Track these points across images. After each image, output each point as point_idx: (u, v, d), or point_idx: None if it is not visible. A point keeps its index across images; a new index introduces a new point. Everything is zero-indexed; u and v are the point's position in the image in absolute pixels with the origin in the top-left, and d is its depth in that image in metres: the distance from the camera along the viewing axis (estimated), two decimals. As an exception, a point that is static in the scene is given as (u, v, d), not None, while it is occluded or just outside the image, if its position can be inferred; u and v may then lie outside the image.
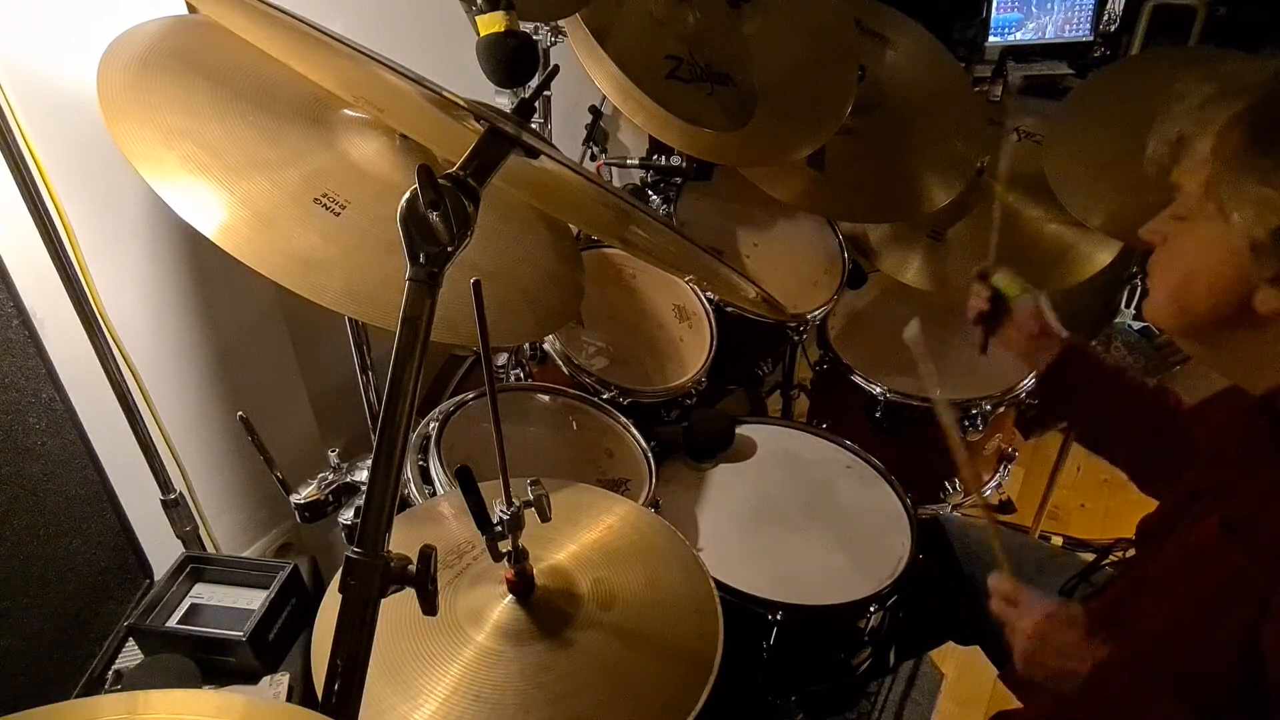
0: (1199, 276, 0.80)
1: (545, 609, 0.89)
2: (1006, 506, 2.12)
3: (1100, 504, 2.32)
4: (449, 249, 0.67)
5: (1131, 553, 1.06)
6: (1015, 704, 1.06)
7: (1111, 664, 0.85)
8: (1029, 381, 1.77)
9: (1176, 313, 0.84)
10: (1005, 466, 1.97)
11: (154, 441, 1.36)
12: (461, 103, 0.71)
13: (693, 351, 1.66)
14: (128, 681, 1.14)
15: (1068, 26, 2.81)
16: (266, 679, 1.17)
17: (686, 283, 1.74)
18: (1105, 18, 2.77)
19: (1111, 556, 1.19)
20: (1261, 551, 0.75)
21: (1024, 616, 0.93)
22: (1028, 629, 0.92)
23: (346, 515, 1.25)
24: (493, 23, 0.96)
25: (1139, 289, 2.18)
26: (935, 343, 1.90)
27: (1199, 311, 0.81)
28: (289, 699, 1.15)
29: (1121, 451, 1.18)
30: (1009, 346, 1.26)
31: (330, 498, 1.24)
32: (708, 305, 1.70)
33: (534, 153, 0.74)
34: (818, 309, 1.83)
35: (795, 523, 1.42)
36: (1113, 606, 0.94)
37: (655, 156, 1.84)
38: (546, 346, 1.52)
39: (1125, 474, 1.18)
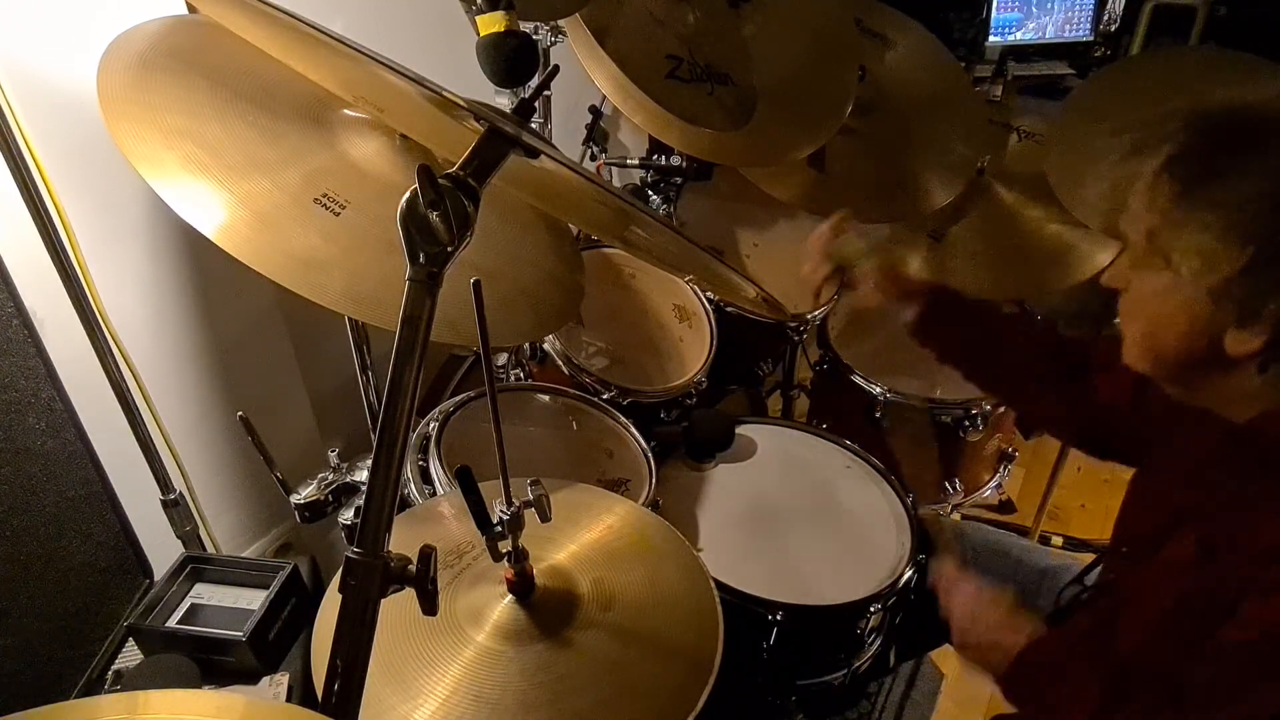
0: (1165, 323, 0.80)
1: (545, 609, 0.89)
2: (1007, 506, 2.12)
3: (1100, 504, 2.32)
4: (449, 249, 0.67)
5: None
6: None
7: (1089, 674, 0.85)
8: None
9: (1149, 358, 0.84)
10: (1005, 466, 1.97)
11: (154, 441, 1.36)
12: (461, 103, 0.71)
13: (693, 351, 1.66)
14: (128, 681, 1.14)
15: (1068, 26, 2.81)
16: (266, 679, 1.17)
17: (686, 283, 1.74)
18: (1105, 18, 2.77)
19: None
20: (1232, 570, 0.74)
21: (955, 595, 1.03)
22: (959, 608, 1.02)
23: (346, 515, 1.25)
24: (493, 22, 0.96)
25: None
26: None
27: (1170, 356, 0.81)
28: (289, 699, 1.15)
29: (1014, 390, 1.21)
30: (869, 304, 1.26)
31: (330, 498, 1.24)
32: (708, 305, 1.70)
33: (534, 153, 0.74)
34: (818, 309, 1.83)
35: (795, 523, 1.42)
36: (1096, 622, 0.94)
37: (655, 156, 1.84)
38: (546, 346, 1.52)
39: (1015, 411, 1.22)
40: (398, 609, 0.70)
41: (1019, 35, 2.80)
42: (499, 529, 0.81)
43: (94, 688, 1.18)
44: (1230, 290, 0.73)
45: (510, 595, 0.88)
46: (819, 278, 1.26)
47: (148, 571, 1.35)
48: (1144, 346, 0.83)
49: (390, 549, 0.67)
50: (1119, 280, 0.85)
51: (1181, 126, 0.76)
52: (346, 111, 1.05)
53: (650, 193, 1.86)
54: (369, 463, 0.88)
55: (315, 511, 1.23)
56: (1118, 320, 2.12)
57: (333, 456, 1.25)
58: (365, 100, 1.01)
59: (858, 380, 1.80)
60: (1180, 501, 0.90)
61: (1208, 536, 0.80)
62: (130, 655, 1.22)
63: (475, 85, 0.97)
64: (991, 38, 2.76)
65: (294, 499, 1.22)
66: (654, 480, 1.36)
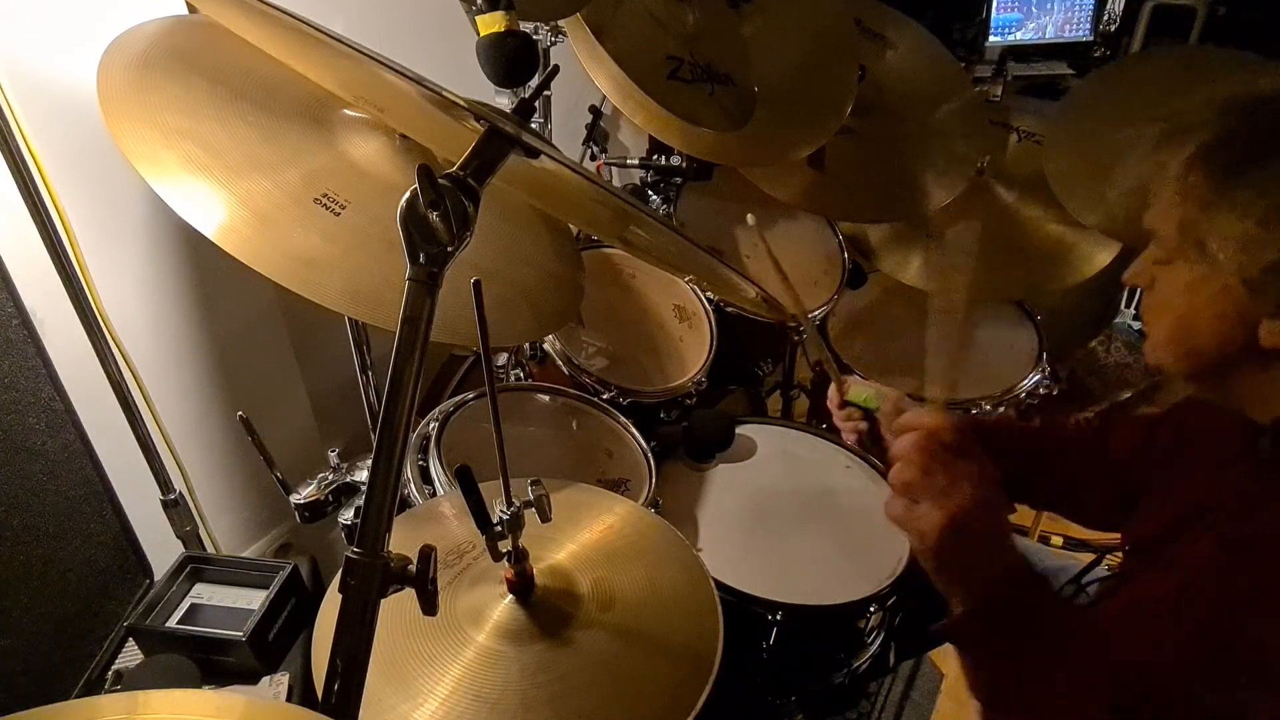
0: (1196, 318, 0.77)
1: (545, 609, 0.89)
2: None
3: (1100, 504, 2.32)
4: (449, 249, 0.67)
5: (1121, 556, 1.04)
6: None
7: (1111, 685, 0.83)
8: (1029, 382, 1.77)
9: (1179, 356, 0.81)
10: (1005, 466, 1.96)
11: (154, 441, 1.36)
12: (461, 103, 0.71)
13: (693, 351, 1.66)
14: (128, 681, 1.14)
15: (1068, 26, 2.81)
16: (266, 679, 1.17)
17: (686, 283, 1.74)
18: (1105, 18, 2.77)
19: (1109, 559, 1.18)
20: (1262, 565, 0.72)
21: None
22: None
23: (346, 515, 1.25)
24: (493, 23, 0.97)
25: (1139, 289, 2.16)
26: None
27: (1202, 353, 0.79)
28: (289, 699, 1.15)
29: (1052, 497, 1.17)
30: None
31: (330, 498, 1.24)
32: (708, 305, 1.70)
33: (534, 153, 0.74)
34: (818, 309, 1.83)
35: (795, 523, 1.42)
36: (1112, 628, 0.92)
37: (655, 156, 1.84)
38: (546, 346, 1.52)
39: (1064, 516, 1.17)
40: (398, 609, 0.70)
41: (1019, 35, 2.80)
42: (499, 529, 0.81)
43: (94, 688, 1.18)
44: (1268, 279, 0.71)
45: (510, 595, 0.88)
46: (854, 430, 1.24)
47: (148, 571, 1.35)
48: (1175, 342, 0.81)
49: (390, 549, 0.67)
50: (1143, 278, 0.83)
51: (1218, 113, 0.74)
52: (346, 111, 1.05)
53: (650, 193, 1.86)
54: (369, 463, 0.88)
55: (315, 511, 1.23)
56: (1118, 320, 2.13)
57: (333, 456, 1.25)
58: (365, 100, 1.01)
59: (858, 380, 1.79)
60: (1199, 500, 0.88)
61: (1229, 536, 0.77)
62: (130, 655, 1.22)
63: (475, 85, 0.98)
64: (991, 38, 2.76)
65: (294, 499, 1.22)
66: (654, 480, 1.36)
